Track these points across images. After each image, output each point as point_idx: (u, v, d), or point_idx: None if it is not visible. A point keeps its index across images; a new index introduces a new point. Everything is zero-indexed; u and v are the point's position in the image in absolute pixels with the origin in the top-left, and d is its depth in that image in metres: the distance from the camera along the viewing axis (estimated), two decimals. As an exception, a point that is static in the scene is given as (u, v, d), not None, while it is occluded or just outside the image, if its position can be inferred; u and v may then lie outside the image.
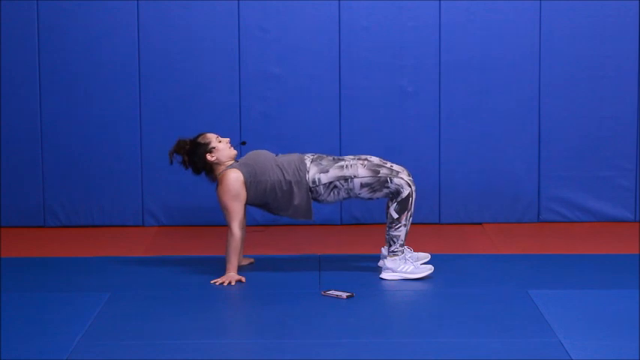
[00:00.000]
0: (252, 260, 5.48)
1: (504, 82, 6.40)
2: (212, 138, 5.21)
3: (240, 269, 5.21)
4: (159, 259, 5.61)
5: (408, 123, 6.44)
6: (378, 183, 5.09)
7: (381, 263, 5.27)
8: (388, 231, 5.13)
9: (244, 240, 5.29)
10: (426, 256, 5.37)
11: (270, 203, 5.18)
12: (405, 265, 5.13)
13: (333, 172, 5.12)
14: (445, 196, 6.49)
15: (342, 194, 5.16)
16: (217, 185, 5.18)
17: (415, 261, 5.21)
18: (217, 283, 5.07)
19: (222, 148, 5.20)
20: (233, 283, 5.05)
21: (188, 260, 5.57)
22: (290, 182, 5.12)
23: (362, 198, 5.17)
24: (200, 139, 5.22)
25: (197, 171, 5.26)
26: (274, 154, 5.25)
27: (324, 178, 5.11)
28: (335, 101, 6.42)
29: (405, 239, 5.14)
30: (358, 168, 5.12)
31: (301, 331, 4.36)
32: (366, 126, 6.43)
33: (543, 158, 6.46)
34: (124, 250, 5.88)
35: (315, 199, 5.19)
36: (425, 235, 6.18)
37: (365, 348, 4.12)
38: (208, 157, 5.19)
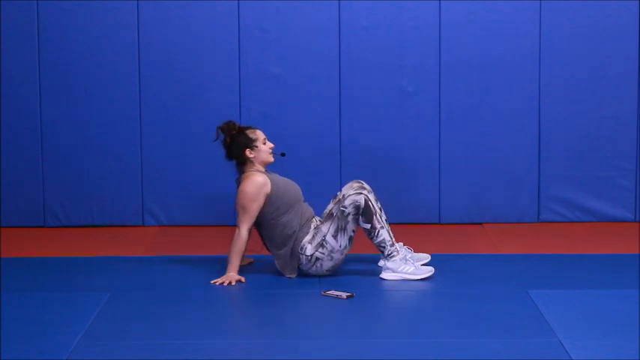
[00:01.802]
0: (251, 260, 5.48)
1: (504, 82, 6.40)
2: (260, 136, 5.21)
3: (240, 269, 5.21)
4: (159, 259, 5.61)
5: (408, 123, 6.43)
6: (340, 219, 5.07)
7: (381, 263, 5.26)
8: (372, 242, 5.12)
9: (248, 242, 5.28)
10: (426, 257, 5.37)
11: (265, 227, 5.16)
12: (406, 266, 5.12)
13: (313, 244, 5.11)
14: (445, 196, 6.49)
15: (327, 264, 5.12)
16: (241, 182, 5.16)
17: (415, 262, 5.21)
18: (217, 283, 5.07)
19: (263, 150, 5.19)
20: (233, 283, 5.05)
21: (188, 260, 5.56)
22: (295, 232, 5.12)
23: (348, 244, 5.10)
24: (248, 132, 5.20)
25: (229, 157, 5.23)
26: (302, 198, 5.24)
27: (309, 250, 5.11)
28: (335, 101, 6.42)
29: (392, 237, 5.11)
30: (321, 227, 5.11)
31: (301, 331, 4.36)
32: (366, 126, 6.43)
33: (543, 158, 6.46)
34: (124, 250, 5.88)
35: (298, 266, 5.19)
36: (425, 235, 6.18)
37: (365, 348, 4.12)
38: (247, 152, 5.18)
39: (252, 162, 5.20)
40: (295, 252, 5.13)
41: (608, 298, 4.77)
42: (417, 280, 5.11)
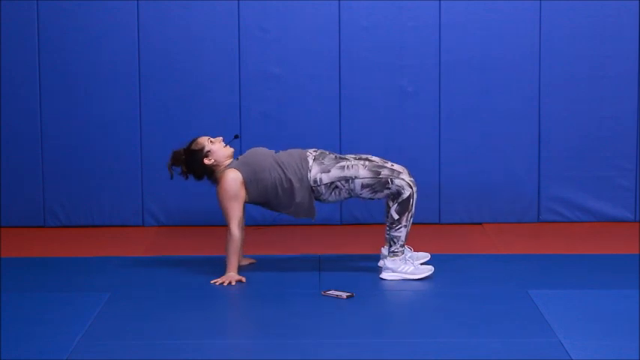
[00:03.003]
0: (252, 260, 5.47)
1: (504, 82, 6.40)
2: (204, 141, 5.19)
3: (241, 269, 5.21)
4: (159, 259, 5.61)
5: (408, 123, 6.44)
6: (379, 184, 5.08)
7: (381, 263, 5.26)
8: (389, 231, 5.12)
9: (244, 240, 5.28)
10: (426, 256, 5.37)
11: (271, 201, 5.18)
12: (406, 266, 5.13)
13: (335, 172, 5.11)
14: (445, 196, 6.49)
15: (344, 194, 5.15)
16: (217, 184, 5.17)
17: (415, 261, 5.22)
18: (217, 283, 5.07)
19: (217, 149, 5.19)
20: (233, 283, 5.05)
21: (188, 260, 5.57)
22: (290, 180, 5.11)
23: (363, 198, 5.16)
24: (193, 146, 5.19)
25: (199, 177, 5.25)
26: (273, 151, 5.24)
27: (326, 178, 5.11)
28: (335, 101, 6.42)
29: (406, 240, 5.14)
30: (359, 169, 5.11)
31: (301, 331, 4.35)
32: (366, 126, 6.43)
33: (543, 158, 6.46)
34: (124, 250, 5.88)
35: (317, 199, 5.18)
36: (425, 235, 6.18)
37: (365, 348, 4.12)
38: (206, 161, 5.18)
39: (217, 166, 5.19)
40: (307, 188, 5.09)
41: (608, 298, 4.77)
42: (417, 279, 5.11)
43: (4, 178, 6.43)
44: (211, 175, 5.22)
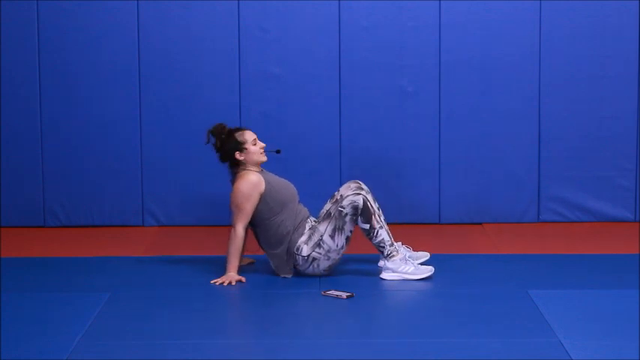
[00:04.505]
0: (252, 260, 5.48)
1: (504, 82, 6.40)
2: (249, 138, 5.17)
3: (240, 269, 5.21)
4: (159, 259, 5.61)
5: (408, 123, 6.44)
6: (337, 219, 5.07)
7: (381, 264, 5.26)
8: (371, 242, 5.12)
9: (246, 241, 5.28)
10: (425, 255, 5.37)
11: (259, 227, 5.17)
12: (406, 266, 5.12)
13: (310, 244, 5.11)
14: (445, 196, 6.49)
15: (324, 264, 5.12)
16: (236, 180, 5.16)
17: (415, 260, 5.22)
18: (217, 283, 5.07)
19: (252, 152, 5.16)
20: (233, 283, 5.05)
21: (188, 260, 5.57)
22: (289, 231, 5.12)
23: (345, 244, 5.10)
24: (237, 134, 5.17)
25: (223, 160, 5.23)
26: (298, 198, 5.23)
27: (305, 250, 5.11)
28: (335, 101, 6.42)
29: (391, 238, 5.11)
30: (319, 227, 5.10)
31: (301, 331, 4.36)
32: (366, 126, 6.43)
33: (543, 158, 6.47)
34: (124, 250, 5.88)
35: (294, 267, 5.19)
36: (425, 235, 6.18)
37: (365, 348, 4.12)
38: (237, 154, 5.17)
39: (244, 163, 5.19)
40: (291, 252, 5.12)
41: (608, 298, 4.77)
42: (417, 280, 5.11)
43: (4, 178, 6.43)
44: (234, 166, 5.20)
